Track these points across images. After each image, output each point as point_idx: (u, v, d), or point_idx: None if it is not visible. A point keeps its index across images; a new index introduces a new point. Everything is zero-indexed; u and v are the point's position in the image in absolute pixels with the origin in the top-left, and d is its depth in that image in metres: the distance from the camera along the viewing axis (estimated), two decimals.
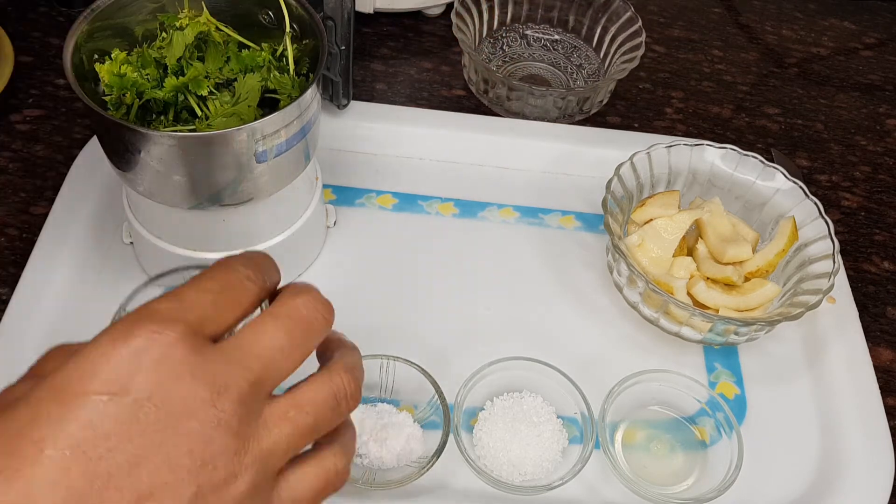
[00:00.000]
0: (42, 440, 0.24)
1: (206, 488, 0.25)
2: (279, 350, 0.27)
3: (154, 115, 0.46)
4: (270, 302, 0.29)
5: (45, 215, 0.56)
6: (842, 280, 0.59)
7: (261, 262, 0.30)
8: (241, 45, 0.48)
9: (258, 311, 0.29)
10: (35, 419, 0.24)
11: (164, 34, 0.47)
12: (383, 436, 0.47)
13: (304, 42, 0.48)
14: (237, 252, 0.30)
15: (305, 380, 0.29)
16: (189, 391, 0.25)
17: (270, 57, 0.48)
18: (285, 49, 0.48)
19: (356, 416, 0.47)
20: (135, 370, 0.25)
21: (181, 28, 0.46)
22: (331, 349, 0.32)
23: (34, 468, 0.23)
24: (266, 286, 0.29)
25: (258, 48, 0.48)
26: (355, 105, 0.63)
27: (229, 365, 0.26)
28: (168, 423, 0.25)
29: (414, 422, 0.48)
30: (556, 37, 0.76)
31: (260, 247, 0.51)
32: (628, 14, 0.71)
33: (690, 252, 0.57)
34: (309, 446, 0.29)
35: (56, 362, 0.27)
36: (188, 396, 0.25)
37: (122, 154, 0.45)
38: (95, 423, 0.24)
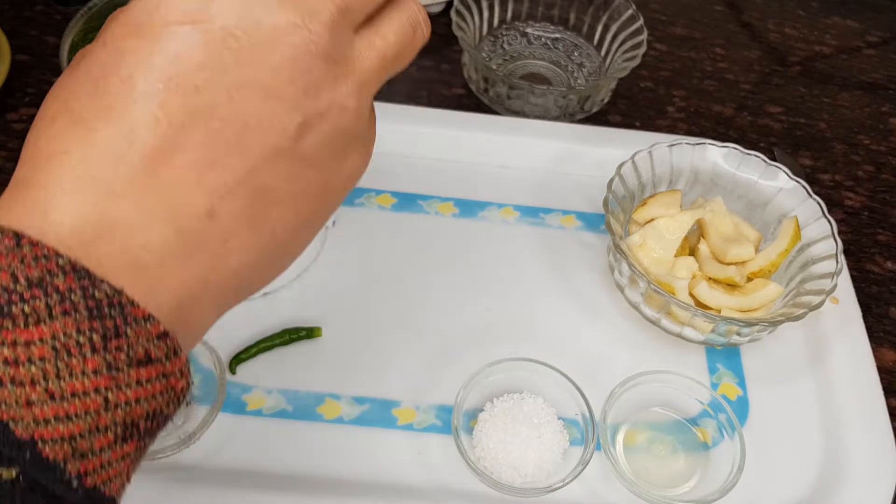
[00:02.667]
0: (130, 77, 0.22)
1: (311, 117, 0.24)
2: None
3: None
4: None
5: None
6: (845, 280, 0.58)
7: None
8: None
9: None
10: (117, 58, 0.23)
11: None
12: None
13: None
14: None
15: (380, 14, 0.28)
16: (277, 16, 0.23)
17: None
18: None
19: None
20: None
21: None
22: None
23: (128, 105, 0.22)
24: None
25: None
26: None
27: None
28: (262, 51, 0.23)
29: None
30: (557, 35, 0.76)
31: None
32: (630, 12, 0.70)
33: (692, 252, 0.57)
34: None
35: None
36: (278, 22, 0.23)
37: None
38: (184, 55, 0.22)
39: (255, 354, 0.51)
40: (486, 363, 0.49)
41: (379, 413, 0.50)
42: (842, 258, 0.53)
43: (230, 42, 0.23)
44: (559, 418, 0.49)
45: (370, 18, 0.27)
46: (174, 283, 0.23)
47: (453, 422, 0.47)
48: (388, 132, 0.63)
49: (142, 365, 0.22)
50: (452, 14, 0.68)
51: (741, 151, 0.59)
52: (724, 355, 0.55)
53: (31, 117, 0.63)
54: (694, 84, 0.76)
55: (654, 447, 0.50)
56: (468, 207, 0.61)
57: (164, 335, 0.22)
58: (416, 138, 0.63)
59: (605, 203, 0.54)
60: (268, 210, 0.25)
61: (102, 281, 0.21)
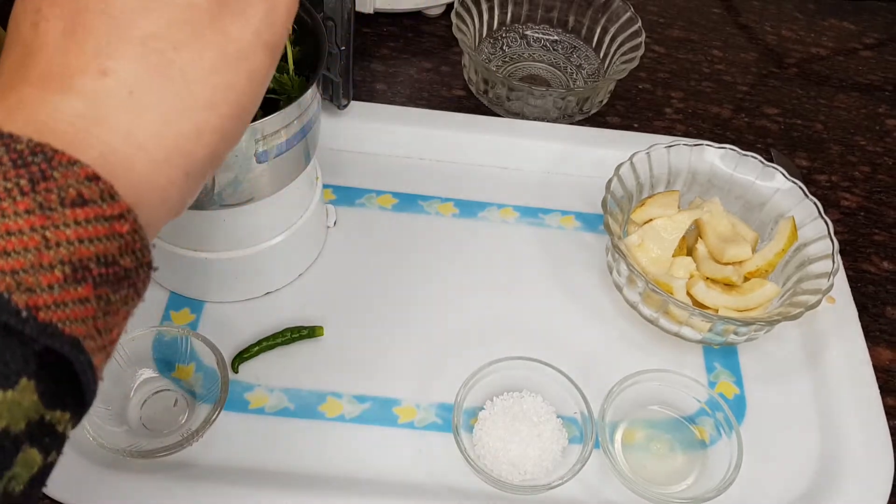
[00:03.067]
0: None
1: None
2: None
3: None
4: None
5: None
6: (841, 280, 0.59)
7: None
8: None
9: None
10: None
11: None
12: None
13: (304, 42, 0.48)
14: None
15: None
16: None
17: None
18: (285, 50, 0.48)
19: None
20: None
21: None
22: None
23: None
24: None
25: None
26: (355, 105, 0.64)
27: None
28: None
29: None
30: (556, 37, 0.76)
31: (260, 247, 0.51)
32: (628, 14, 0.71)
33: (690, 252, 0.57)
34: None
35: None
36: None
37: None
38: None
39: (257, 353, 0.51)
40: (486, 362, 0.50)
41: (380, 411, 0.50)
42: (838, 258, 0.53)
43: None
44: (558, 416, 0.49)
45: None
46: (91, 139, 0.24)
47: (454, 420, 0.47)
48: (389, 133, 0.64)
49: (76, 205, 0.22)
50: (453, 16, 0.68)
51: (738, 152, 0.59)
52: (722, 354, 0.56)
53: None
54: (692, 86, 0.76)
55: (652, 445, 0.50)
56: (468, 208, 0.62)
57: (94, 177, 0.23)
58: (417, 139, 0.64)
59: (604, 203, 0.55)
60: (167, 57, 0.25)
61: (21, 136, 0.22)
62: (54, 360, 0.22)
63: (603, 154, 0.63)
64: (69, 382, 0.23)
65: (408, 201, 0.62)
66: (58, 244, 0.22)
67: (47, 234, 0.21)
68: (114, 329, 0.24)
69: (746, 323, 0.50)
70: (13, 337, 0.21)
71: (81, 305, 0.22)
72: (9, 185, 0.21)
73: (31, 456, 0.22)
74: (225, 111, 0.27)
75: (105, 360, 0.24)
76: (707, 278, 0.55)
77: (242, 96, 0.27)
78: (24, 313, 0.21)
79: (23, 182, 0.21)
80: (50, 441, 0.22)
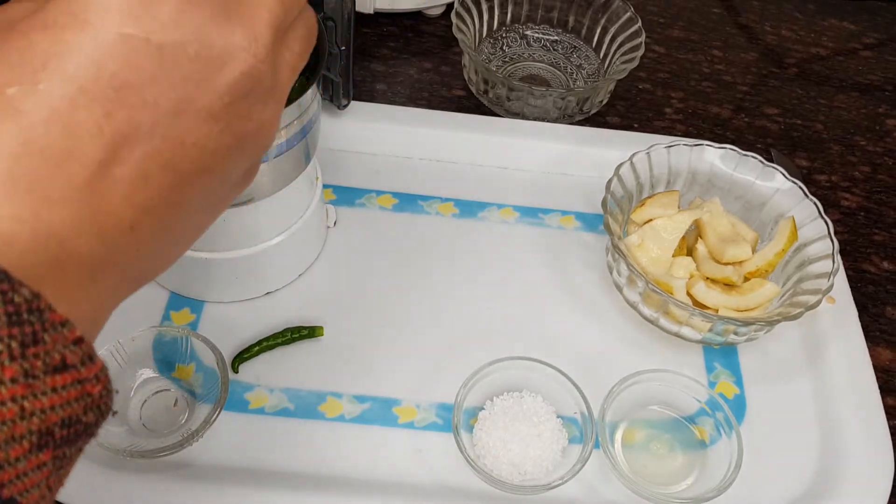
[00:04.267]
0: (75, 77, 0.21)
1: (241, 140, 0.25)
2: None
3: None
4: None
5: None
6: (841, 280, 0.59)
7: None
8: None
9: None
10: (61, 49, 0.22)
11: None
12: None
13: None
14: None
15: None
16: (229, 36, 0.24)
17: None
18: None
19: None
20: (165, 8, 0.22)
21: None
22: None
23: (71, 107, 0.21)
24: None
25: None
26: (355, 105, 0.64)
27: (257, 5, 0.25)
28: (211, 71, 0.23)
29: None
30: (556, 37, 0.76)
31: (260, 247, 0.51)
32: (628, 14, 0.71)
33: (690, 252, 0.57)
34: None
35: None
36: (228, 42, 0.24)
37: None
38: (135, 64, 0.22)
39: (257, 353, 0.51)
40: (486, 362, 0.50)
41: (380, 411, 0.50)
42: (838, 258, 0.53)
43: (182, 59, 0.23)
44: (558, 416, 0.49)
45: None
46: (92, 292, 0.23)
47: (453, 420, 0.47)
48: (389, 133, 0.64)
49: (58, 371, 0.21)
50: (453, 16, 0.68)
51: (738, 152, 0.59)
52: (722, 354, 0.56)
53: None
54: (692, 86, 0.76)
55: (652, 445, 0.50)
56: (468, 208, 0.62)
57: (79, 340, 0.22)
58: (417, 139, 0.64)
59: (604, 203, 0.55)
60: (183, 221, 0.25)
61: (22, 285, 0.21)
62: None
63: (603, 154, 0.63)
64: None
65: (408, 201, 0.62)
66: (32, 414, 0.21)
67: (25, 404, 0.20)
68: (63, 479, 0.23)
69: (746, 323, 0.50)
70: None
71: (39, 471, 0.21)
72: (0, 348, 0.20)
73: None
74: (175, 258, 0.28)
75: (51, 500, 0.23)
76: (707, 278, 0.55)
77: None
78: None
79: (14, 345, 0.20)
80: None
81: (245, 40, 0.24)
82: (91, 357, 0.22)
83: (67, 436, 0.22)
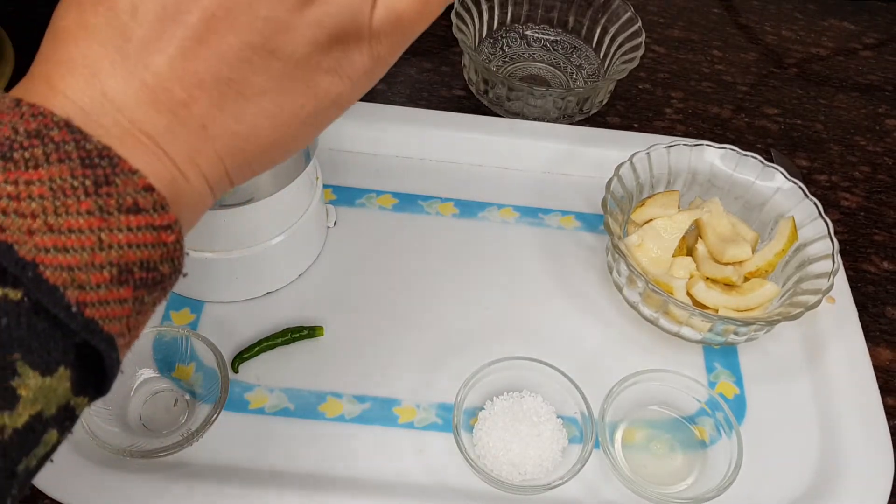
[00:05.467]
0: None
1: (279, 11, 0.25)
2: None
3: None
4: None
5: None
6: (841, 280, 0.59)
7: None
8: None
9: None
10: None
11: None
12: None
13: None
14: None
15: None
16: None
17: None
18: None
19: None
20: None
21: None
22: None
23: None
24: None
25: None
26: (355, 105, 0.63)
27: None
28: None
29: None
30: (556, 37, 0.76)
31: (260, 247, 0.51)
32: (628, 14, 0.71)
33: (690, 252, 0.57)
34: None
35: None
36: None
37: None
38: None
39: (257, 353, 0.51)
40: (486, 362, 0.50)
41: (380, 411, 0.50)
42: (838, 258, 0.53)
43: None
44: (558, 416, 0.49)
45: None
46: (158, 154, 0.25)
47: (454, 420, 0.47)
48: (389, 133, 0.64)
49: (131, 212, 0.23)
50: (452, 16, 0.68)
51: (738, 152, 0.59)
52: (722, 354, 0.56)
53: None
54: (692, 86, 0.76)
55: (652, 445, 0.50)
56: (468, 208, 0.62)
57: (149, 188, 0.24)
58: (417, 139, 0.64)
59: (604, 204, 0.55)
60: (244, 102, 0.26)
61: (92, 137, 0.23)
62: (88, 352, 0.23)
63: (603, 154, 0.63)
64: (94, 372, 0.24)
65: (408, 201, 0.62)
66: (110, 246, 0.23)
67: (102, 235, 0.23)
68: (140, 327, 0.25)
69: (746, 323, 0.50)
70: (59, 329, 0.22)
71: (120, 305, 0.24)
72: (75, 184, 0.22)
73: (52, 436, 0.24)
74: (286, 151, 0.28)
75: (125, 354, 0.25)
76: (707, 278, 0.55)
77: (312, 131, 0.29)
78: (74, 308, 0.22)
79: (88, 182, 0.23)
80: (68, 423, 0.24)
81: None
82: (164, 206, 0.24)
83: (146, 279, 0.24)
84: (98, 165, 0.23)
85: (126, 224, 0.23)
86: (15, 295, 0.21)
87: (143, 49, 0.24)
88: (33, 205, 0.22)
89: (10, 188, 0.22)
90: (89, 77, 0.24)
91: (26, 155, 0.22)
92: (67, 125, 0.23)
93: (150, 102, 0.24)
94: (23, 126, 0.23)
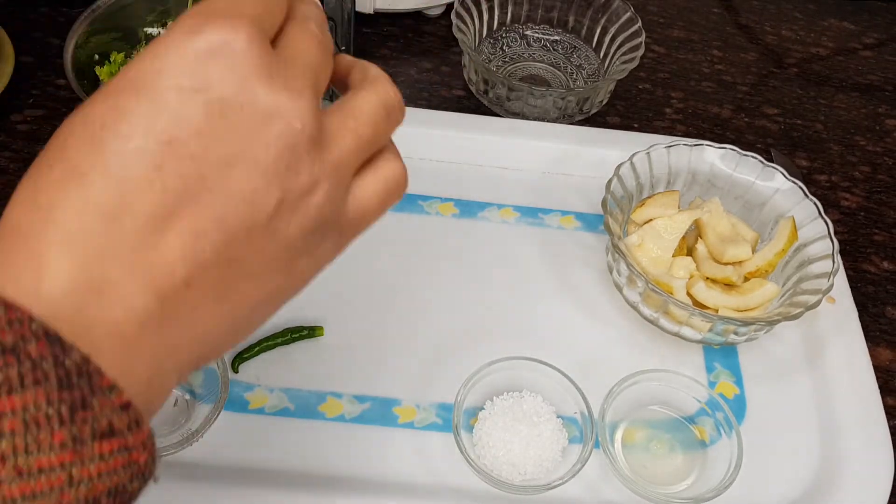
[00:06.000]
0: (128, 136, 0.22)
1: (290, 195, 0.24)
2: (319, 55, 0.27)
3: None
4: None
5: None
6: (841, 280, 0.59)
7: None
8: None
9: None
10: (116, 113, 0.23)
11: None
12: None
13: None
14: None
15: (350, 94, 0.28)
16: (272, 95, 0.24)
17: None
18: None
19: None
20: (214, 66, 0.23)
21: None
22: (352, 71, 0.30)
23: (125, 163, 0.22)
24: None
25: None
26: None
27: (296, 68, 0.25)
28: (257, 126, 0.24)
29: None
30: (556, 37, 0.76)
31: None
32: (628, 14, 0.71)
33: (690, 252, 0.57)
34: None
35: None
36: (270, 98, 0.24)
37: None
38: (184, 120, 0.23)
39: (257, 353, 0.51)
40: (486, 362, 0.50)
41: (380, 411, 0.50)
42: (838, 258, 0.53)
43: (228, 113, 0.23)
44: (558, 416, 0.49)
45: (342, 99, 0.28)
46: (147, 351, 0.23)
47: (453, 420, 0.47)
48: None
49: (105, 437, 0.22)
50: (453, 16, 0.68)
51: (738, 152, 0.59)
52: (722, 354, 0.56)
53: (35, 119, 0.64)
54: (691, 86, 0.76)
55: (652, 445, 0.50)
56: (468, 208, 0.62)
57: (126, 406, 0.22)
58: (417, 139, 0.64)
59: (604, 204, 0.55)
60: (237, 283, 0.25)
61: (72, 348, 0.21)
62: None
63: (603, 154, 0.63)
64: None
65: (408, 201, 0.62)
66: (80, 482, 0.21)
67: (73, 471, 0.21)
68: None
69: (746, 323, 0.50)
70: None
71: None
72: (50, 412, 0.21)
73: None
74: (247, 333, 0.28)
75: None
76: (707, 278, 0.55)
77: (269, 316, 0.29)
78: None
79: (63, 409, 0.21)
80: None
81: (287, 95, 0.24)
82: (138, 422, 0.22)
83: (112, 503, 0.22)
84: (76, 386, 0.21)
85: (99, 452, 0.21)
86: None
87: (148, 221, 0.23)
88: (3, 444, 0.20)
89: None
90: (80, 252, 0.22)
91: (0, 377, 0.20)
92: (46, 334, 0.21)
93: (144, 287, 0.23)
94: None
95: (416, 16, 0.77)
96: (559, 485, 0.46)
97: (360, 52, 0.73)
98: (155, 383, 0.24)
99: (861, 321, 0.57)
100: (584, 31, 0.75)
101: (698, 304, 0.53)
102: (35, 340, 0.21)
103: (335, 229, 0.28)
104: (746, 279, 0.56)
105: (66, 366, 0.21)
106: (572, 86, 0.73)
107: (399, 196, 0.29)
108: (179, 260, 0.23)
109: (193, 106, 0.23)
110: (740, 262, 0.56)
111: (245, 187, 0.24)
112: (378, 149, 0.29)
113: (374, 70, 0.30)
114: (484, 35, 0.74)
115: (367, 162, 0.29)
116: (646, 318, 0.55)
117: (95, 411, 0.21)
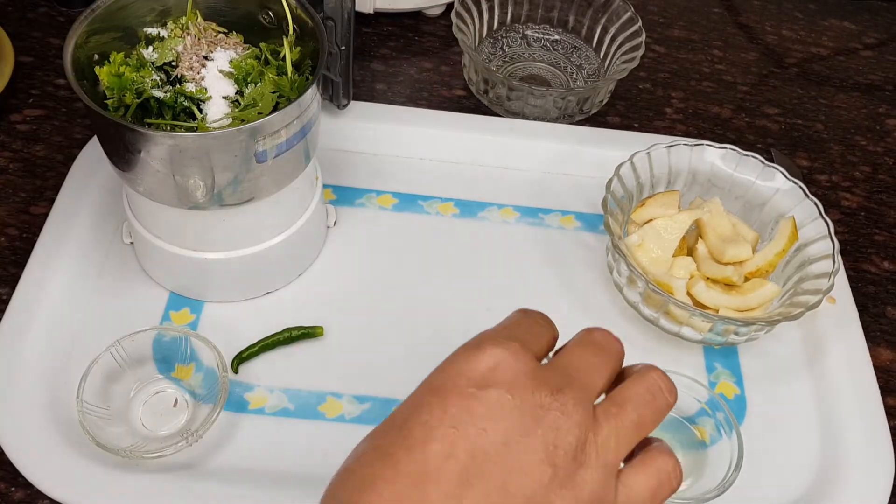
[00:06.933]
0: (429, 423, 0.28)
1: (560, 472, 0.28)
2: (592, 366, 0.31)
3: (153, 117, 0.46)
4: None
5: (46, 215, 0.56)
6: (842, 280, 0.59)
7: (542, 315, 0.36)
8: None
9: None
10: (418, 408, 0.29)
11: (157, 41, 0.48)
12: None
13: (304, 42, 0.48)
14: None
15: (619, 387, 0.32)
16: (536, 387, 0.29)
17: (269, 56, 0.48)
18: (284, 50, 0.48)
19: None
20: (494, 371, 0.29)
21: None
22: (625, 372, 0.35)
23: (427, 443, 0.28)
24: (554, 332, 0.35)
25: (257, 49, 0.48)
26: (355, 105, 0.64)
27: (556, 373, 0.30)
28: (525, 412, 0.28)
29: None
30: (556, 37, 0.76)
31: (260, 247, 0.51)
32: (628, 14, 0.71)
33: (690, 252, 0.57)
34: None
35: None
36: (536, 391, 0.29)
37: (122, 154, 0.45)
38: (470, 409, 0.28)
39: (257, 353, 0.51)
40: None
41: (380, 411, 0.50)
42: (838, 258, 0.53)
43: (504, 403, 0.28)
44: None
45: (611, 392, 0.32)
46: None
47: None
48: (390, 133, 0.64)
49: None
50: (453, 16, 0.68)
51: (739, 152, 0.59)
52: (722, 354, 0.56)
53: (35, 119, 0.64)
54: (692, 85, 0.76)
55: None
56: (468, 208, 0.62)
57: None
58: (417, 139, 0.64)
59: (604, 204, 0.55)
60: None
61: None
62: None
63: (603, 154, 0.63)
64: None
65: (408, 201, 0.62)
66: None
67: None
68: None
69: (747, 323, 0.50)
70: None
71: None
72: None
73: None
74: None
75: None
76: (707, 278, 0.55)
77: None
78: None
79: None
80: None
81: (548, 391, 0.29)
82: None
83: None
84: None
85: None
86: None
87: (448, 488, 0.27)
88: None
89: None
90: None
91: None
92: None
93: None
94: None
95: (416, 16, 0.77)
96: None
97: (360, 52, 0.73)
98: None
99: (861, 321, 0.57)
100: (584, 31, 0.75)
101: (698, 305, 0.53)
102: None
103: None
104: (747, 279, 0.56)
105: None
106: (572, 85, 0.73)
107: (672, 491, 0.31)
108: None
109: (479, 399, 0.29)
110: (741, 262, 0.56)
111: (520, 462, 0.28)
112: (646, 436, 0.31)
113: (640, 365, 0.33)
114: (484, 35, 0.74)
115: (637, 453, 0.31)
116: (646, 319, 0.55)
117: None
